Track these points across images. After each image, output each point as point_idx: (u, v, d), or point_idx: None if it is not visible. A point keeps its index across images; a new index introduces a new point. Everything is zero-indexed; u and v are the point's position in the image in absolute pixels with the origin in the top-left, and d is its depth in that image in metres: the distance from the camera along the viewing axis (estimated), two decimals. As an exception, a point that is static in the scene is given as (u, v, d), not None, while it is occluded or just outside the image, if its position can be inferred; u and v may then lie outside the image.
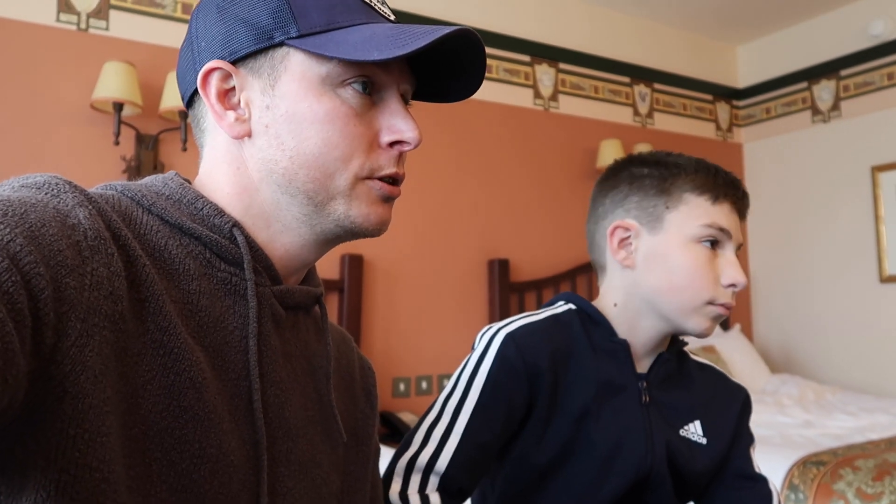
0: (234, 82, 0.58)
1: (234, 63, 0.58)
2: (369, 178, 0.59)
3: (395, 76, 0.60)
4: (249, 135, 0.58)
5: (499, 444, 0.81)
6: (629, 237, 0.87)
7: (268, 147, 0.58)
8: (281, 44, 0.57)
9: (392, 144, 0.59)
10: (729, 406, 0.93)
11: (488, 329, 0.85)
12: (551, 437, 0.82)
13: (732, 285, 0.83)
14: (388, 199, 0.60)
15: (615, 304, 0.89)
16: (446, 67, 0.63)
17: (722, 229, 0.84)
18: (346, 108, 0.57)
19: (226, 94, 0.59)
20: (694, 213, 0.85)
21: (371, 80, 0.58)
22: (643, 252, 0.86)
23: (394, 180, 0.61)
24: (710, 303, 0.83)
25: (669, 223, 0.85)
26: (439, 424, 0.80)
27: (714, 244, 0.84)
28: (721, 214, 0.85)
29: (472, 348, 0.85)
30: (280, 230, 0.60)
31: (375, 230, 0.61)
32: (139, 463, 0.47)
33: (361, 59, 0.54)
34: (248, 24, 0.57)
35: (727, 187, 0.86)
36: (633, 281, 0.87)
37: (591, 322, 0.87)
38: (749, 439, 0.93)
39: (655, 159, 0.90)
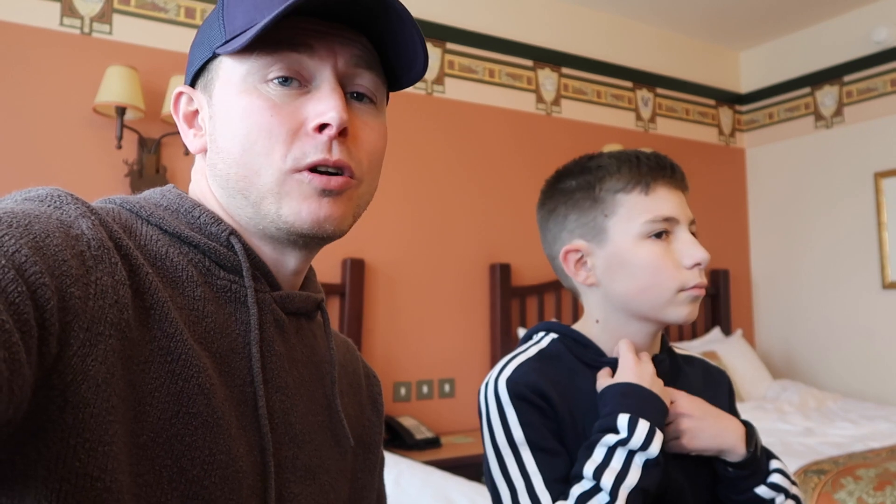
0: (196, 104, 0.62)
1: (193, 85, 0.62)
2: (296, 170, 0.56)
3: (323, 58, 0.57)
4: (206, 148, 0.61)
5: (570, 466, 0.80)
6: (582, 257, 0.87)
7: (212, 153, 0.60)
8: (216, 55, 0.59)
9: (321, 130, 0.56)
10: (717, 392, 0.95)
11: (486, 385, 0.84)
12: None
13: (697, 264, 0.82)
14: (325, 193, 0.56)
15: (597, 321, 0.89)
16: (391, 48, 0.60)
17: (666, 218, 0.83)
18: (262, 101, 0.56)
19: (193, 116, 0.62)
20: (632, 212, 0.84)
21: (298, 71, 0.56)
22: (601, 267, 0.86)
23: (335, 170, 0.56)
24: (681, 289, 0.83)
25: (613, 231, 0.85)
26: (520, 492, 0.78)
27: (663, 234, 0.84)
28: (659, 202, 0.84)
29: (480, 411, 0.85)
30: (251, 233, 0.60)
31: (311, 228, 0.56)
32: (148, 471, 0.47)
33: (234, 48, 0.55)
34: (202, 45, 0.60)
35: (654, 171, 0.85)
36: (603, 296, 0.87)
37: (579, 346, 0.87)
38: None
39: (579, 168, 0.90)
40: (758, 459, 0.83)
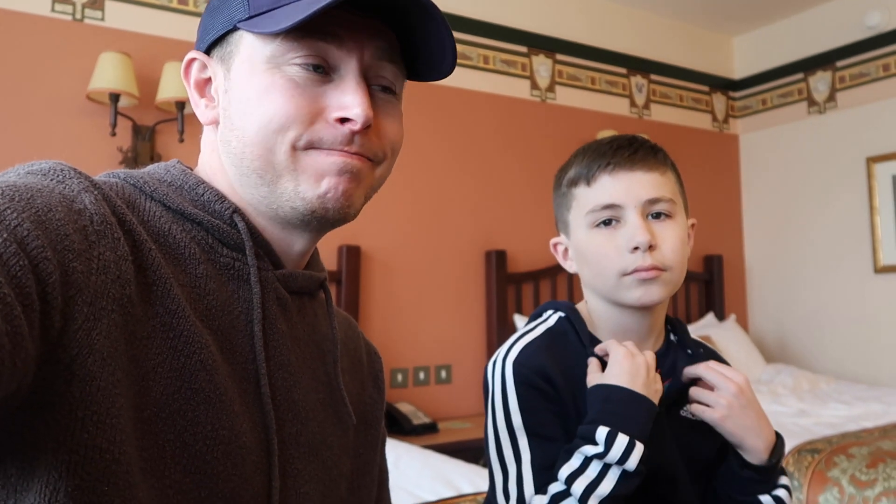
0: (209, 72, 0.61)
1: (208, 53, 0.61)
2: (311, 147, 0.56)
3: (351, 50, 0.56)
4: (218, 120, 0.60)
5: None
6: (565, 248, 0.93)
7: (225, 130, 0.59)
8: (236, 28, 0.58)
9: (342, 122, 0.56)
10: None
11: (493, 364, 0.85)
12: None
13: (635, 248, 0.82)
14: (343, 170, 0.56)
15: (586, 302, 0.93)
16: (420, 41, 0.59)
17: (606, 206, 0.85)
18: (285, 81, 0.55)
19: (205, 84, 0.61)
20: (579, 204, 0.88)
21: (324, 58, 0.56)
22: (573, 255, 0.91)
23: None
24: (624, 274, 0.83)
25: (572, 223, 0.90)
26: (510, 478, 0.79)
27: (611, 221, 0.85)
28: (600, 192, 0.85)
29: (485, 388, 0.86)
30: (260, 213, 0.60)
31: (332, 206, 0.56)
32: (152, 445, 0.47)
33: (270, 31, 0.54)
34: (221, 14, 0.59)
35: (597, 161, 0.86)
36: (583, 283, 0.92)
37: (580, 325, 0.89)
38: None
39: (560, 168, 0.93)
40: (775, 471, 0.83)
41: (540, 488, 0.77)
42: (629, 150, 0.86)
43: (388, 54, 0.59)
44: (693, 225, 0.91)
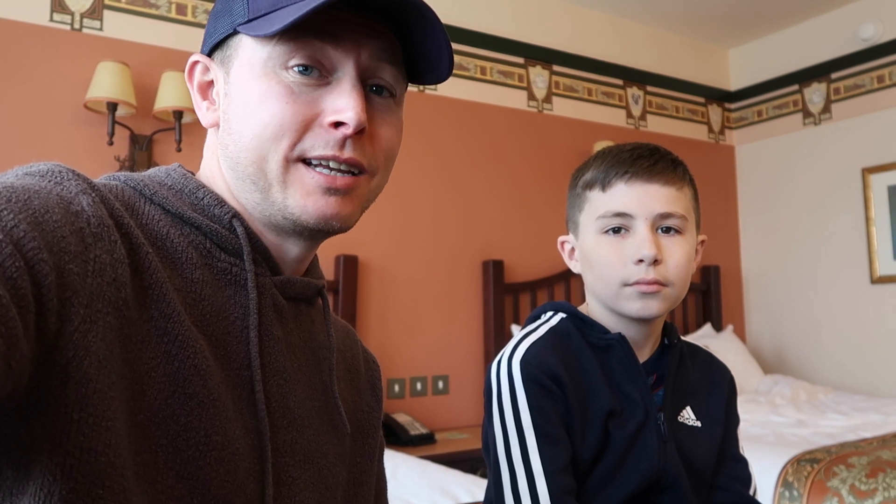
0: (211, 75, 0.61)
1: (211, 56, 0.61)
2: (303, 161, 0.55)
3: (347, 50, 0.56)
4: (218, 123, 0.60)
5: (571, 454, 0.81)
6: (572, 248, 0.93)
7: (224, 133, 0.59)
8: (237, 31, 0.58)
9: (336, 126, 0.55)
10: (717, 388, 0.94)
11: (498, 364, 0.85)
12: (589, 438, 0.83)
13: (640, 260, 0.82)
14: (330, 192, 0.56)
15: (587, 304, 0.93)
16: (418, 42, 0.59)
17: (617, 213, 0.85)
18: (281, 88, 0.55)
19: (207, 87, 0.62)
20: (591, 208, 0.88)
21: (320, 60, 0.55)
22: (578, 257, 0.91)
23: (346, 167, 0.56)
24: (625, 284, 0.83)
25: (582, 225, 0.90)
26: (519, 479, 0.79)
27: (621, 230, 0.85)
28: (614, 199, 0.85)
29: (489, 388, 0.85)
30: (255, 219, 0.59)
31: (317, 224, 0.56)
32: (145, 449, 0.47)
33: (265, 33, 0.53)
34: (224, 17, 0.59)
35: (615, 167, 0.86)
36: (586, 284, 0.92)
37: (585, 325, 0.89)
38: (736, 420, 0.95)
39: (578, 168, 0.94)
40: None
41: (553, 489, 0.77)
42: (649, 160, 0.86)
43: (388, 55, 0.58)
44: (703, 241, 0.91)
